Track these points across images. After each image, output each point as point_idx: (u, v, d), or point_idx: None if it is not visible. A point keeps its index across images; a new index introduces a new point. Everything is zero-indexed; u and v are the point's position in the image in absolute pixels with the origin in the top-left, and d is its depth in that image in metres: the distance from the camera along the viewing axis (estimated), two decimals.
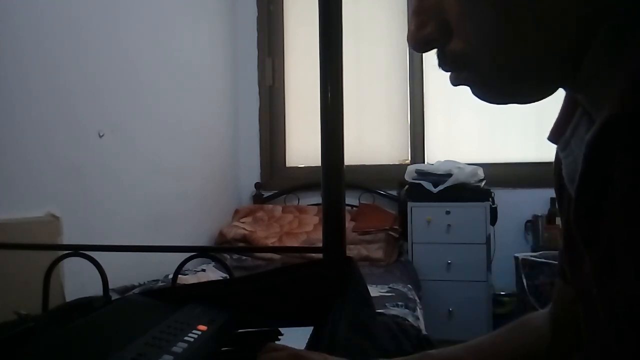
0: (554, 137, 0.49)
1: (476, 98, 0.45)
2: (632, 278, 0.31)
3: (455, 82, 0.45)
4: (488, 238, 2.83)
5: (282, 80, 3.58)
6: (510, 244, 3.01)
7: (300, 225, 3.17)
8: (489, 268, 2.84)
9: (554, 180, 0.55)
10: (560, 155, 0.47)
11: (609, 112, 0.33)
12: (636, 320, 0.31)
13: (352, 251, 2.69)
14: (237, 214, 3.33)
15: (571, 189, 0.43)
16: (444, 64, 0.44)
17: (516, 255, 2.74)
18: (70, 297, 1.58)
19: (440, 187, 2.87)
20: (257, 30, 3.57)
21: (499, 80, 0.42)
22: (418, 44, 0.44)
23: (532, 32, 0.38)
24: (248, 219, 3.24)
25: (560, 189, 0.52)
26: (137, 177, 2.35)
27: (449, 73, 0.45)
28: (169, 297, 0.94)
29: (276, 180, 3.56)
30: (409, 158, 3.40)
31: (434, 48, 0.44)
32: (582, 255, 0.41)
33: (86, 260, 1.13)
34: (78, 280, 1.52)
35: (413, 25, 0.43)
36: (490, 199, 2.87)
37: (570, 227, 0.46)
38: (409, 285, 2.43)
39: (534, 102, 0.44)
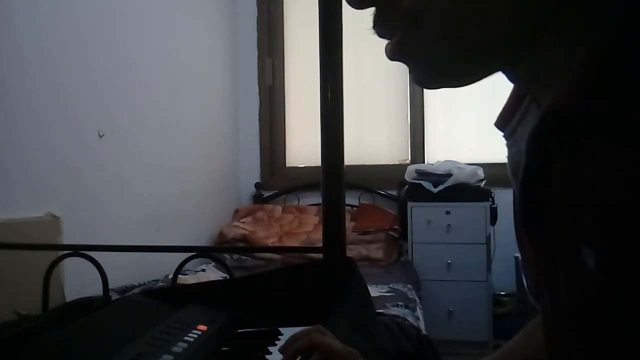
0: (500, 124, 0.45)
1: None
2: (564, 278, 0.31)
3: (393, 52, 0.38)
4: (488, 238, 2.83)
5: (282, 80, 3.58)
6: (510, 244, 2.96)
7: (300, 225, 3.17)
8: (489, 268, 2.84)
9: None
10: (506, 145, 0.43)
11: (549, 104, 0.31)
12: (577, 329, 0.30)
13: (352, 251, 2.69)
14: (237, 214, 3.33)
15: (515, 182, 0.39)
16: (385, 23, 0.38)
17: (516, 255, 2.74)
18: (70, 297, 1.58)
19: (440, 187, 2.87)
20: (257, 30, 3.57)
21: (446, 44, 0.36)
22: None
23: None
24: (248, 219, 3.24)
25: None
26: (137, 177, 2.35)
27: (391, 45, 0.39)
28: (169, 297, 0.94)
29: (276, 180, 3.56)
30: (409, 158, 3.40)
31: (373, 4, 0.37)
32: (531, 257, 0.40)
33: (86, 260, 1.13)
34: (78, 280, 1.52)
35: None
36: (490, 199, 2.87)
37: (519, 228, 0.43)
38: (409, 285, 2.43)
39: (470, 82, 0.38)
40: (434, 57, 0.37)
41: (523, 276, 0.46)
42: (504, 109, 0.45)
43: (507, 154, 0.42)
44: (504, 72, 0.38)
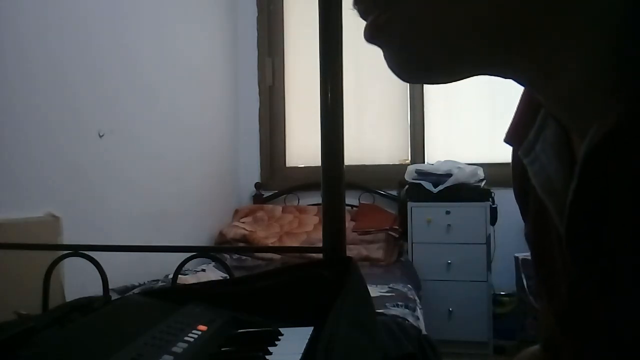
0: (512, 138, 0.43)
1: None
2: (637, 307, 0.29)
3: (368, 33, 0.35)
4: (488, 238, 2.83)
5: (282, 80, 3.58)
6: (510, 244, 3.00)
7: (300, 225, 3.17)
8: (489, 268, 2.84)
9: (514, 186, 0.49)
10: (525, 162, 0.40)
11: (611, 122, 0.28)
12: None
13: (352, 251, 2.69)
14: (237, 214, 3.33)
15: (548, 200, 0.38)
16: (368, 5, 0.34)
17: (516, 255, 2.74)
18: (70, 297, 1.58)
19: (440, 187, 2.87)
20: (257, 30, 3.57)
21: (424, 29, 0.31)
22: None
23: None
24: (248, 219, 3.24)
25: (523, 194, 0.46)
26: (137, 177, 2.35)
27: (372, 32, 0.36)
28: (169, 297, 0.94)
29: (276, 180, 3.56)
30: (409, 158, 3.40)
31: None
32: (559, 274, 0.39)
33: (86, 260, 1.13)
34: (78, 280, 1.52)
35: None
36: (490, 199, 2.88)
37: (540, 243, 0.43)
38: (409, 285, 2.43)
39: (454, 79, 0.34)
40: (410, 42, 0.32)
41: (524, 279, 0.46)
42: (514, 124, 0.42)
43: (529, 172, 0.40)
44: (512, 78, 0.34)
